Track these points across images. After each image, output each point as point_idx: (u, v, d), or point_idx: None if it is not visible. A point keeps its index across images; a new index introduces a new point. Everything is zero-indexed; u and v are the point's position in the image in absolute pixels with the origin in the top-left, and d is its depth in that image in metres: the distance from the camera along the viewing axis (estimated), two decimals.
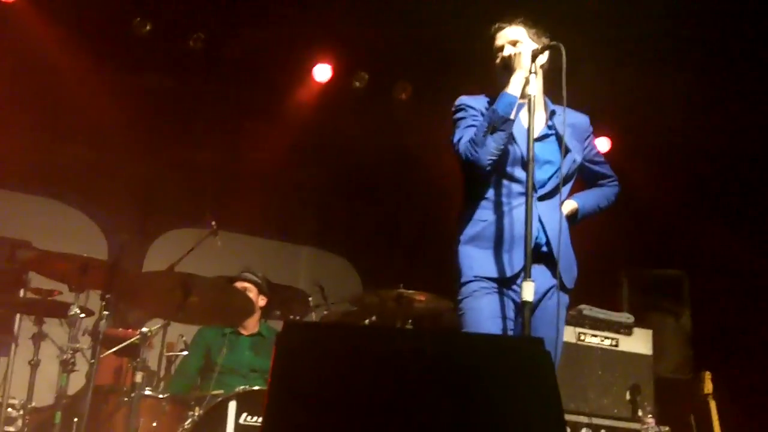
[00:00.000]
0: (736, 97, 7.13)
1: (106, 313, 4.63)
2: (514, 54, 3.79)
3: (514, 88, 3.74)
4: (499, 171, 3.79)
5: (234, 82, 7.65)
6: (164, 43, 7.31)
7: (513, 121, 3.72)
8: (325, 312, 6.70)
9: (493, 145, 3.69)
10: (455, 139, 3.83)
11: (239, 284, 6.00)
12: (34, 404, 5.13)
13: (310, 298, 6.59)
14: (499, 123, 3.68)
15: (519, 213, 3.69)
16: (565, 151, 3.77)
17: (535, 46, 3.83)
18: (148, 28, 7.13)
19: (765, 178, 7.42)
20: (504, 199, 3.79)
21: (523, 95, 3.76)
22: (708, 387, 6.26)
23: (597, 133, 4.21)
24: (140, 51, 7.27)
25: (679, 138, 7.45)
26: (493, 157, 3.71)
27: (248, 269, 6.27)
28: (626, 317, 6.20)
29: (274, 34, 7.41)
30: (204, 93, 7.70)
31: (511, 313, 3.69)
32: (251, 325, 6.08)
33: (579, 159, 3.94)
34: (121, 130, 7.61)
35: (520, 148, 3.76)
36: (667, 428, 5.83)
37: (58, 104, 7.31)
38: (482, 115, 3.81)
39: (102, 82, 7.26)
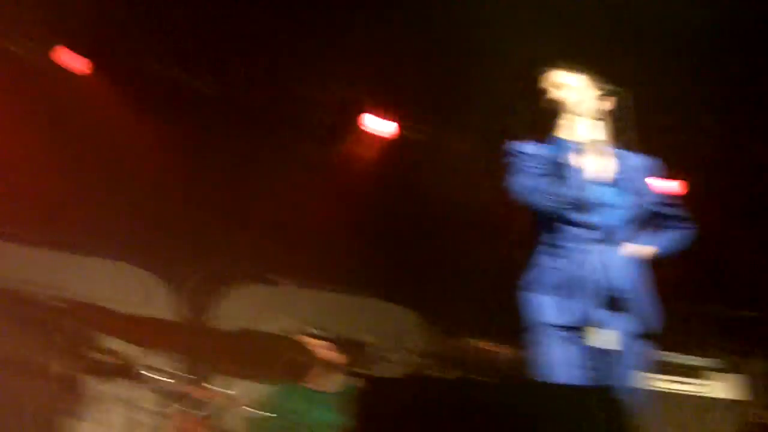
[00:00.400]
0: None
1: (179, 373, 4.82)
2: (570, 99, 3.96)
3: (568, 132, 3.91)
4: (566, 217, 3.90)
5: (293, 133, 7.87)
6: (223, 101, 7.59)
7: (567, 165, 3.87)
8: (394, 365, 6.79)
9: (549, 189, 3.85)
10: (511, 185, 3.96)
11: (311, 341, 6.17)
12: None
13: (378, 353, 6.67)
14: (557, 168, 3.85)
15: (588, 259, 3.81)
16: (632, 194, 3.92)
17: (596, 91, 3.98)
18: (201, 85, 7.42)
19: None
20: (572, 245, 3.89)
21: (586, 140, 3.93)
22: None
23: (669, 176, 4.28)
24: (196, 106, 7.57)
25: (753, 177, 7.46)
26: (551, 202, 3.85)
27: (318, 326, 6.44)
28: (714, 362, 6.19)
29: (327, 87, 7.64)
30: (263, 146, 7.93)
31: (583, 360, 3.77)
32: (326, 381, 6.24)
33: (644, 202, 4.04)
34: (180, 189, 7.85)
35: (585, 193, 3.89)
36: None
37: (123, 166, 7.58)
38: (536, 159, 3.95)
39: (154, 134, 7.55)
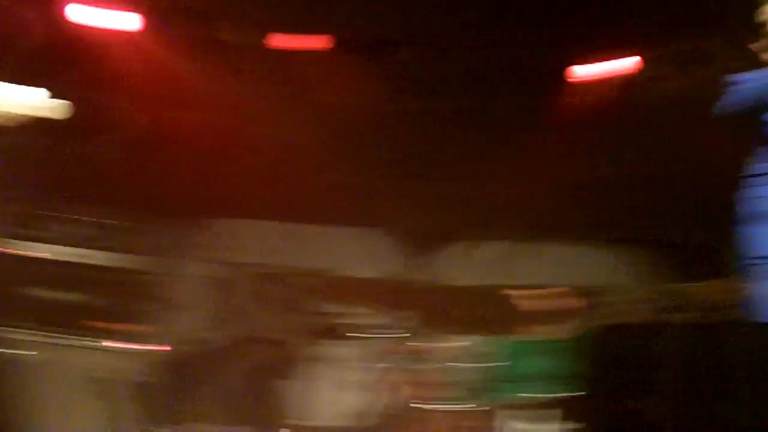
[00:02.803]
0: None
1: (404, 331, 4.74)
2: None
3: None
4: None
5: (507, 92, 7.64)
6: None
7: None
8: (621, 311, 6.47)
9: None
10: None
11: (552, 290, 5.97)
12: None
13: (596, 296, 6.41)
14: None
15: None
16: None
17: None
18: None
19: None
20: None
21: None
22: None
23: None
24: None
25: None
26: None
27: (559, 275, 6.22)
28: None
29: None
30: (482, 104, 7.73)
31: None
32: (555, 330, 6.03)
33: None
34: (414, 154, 7.78)
35: None
36: None
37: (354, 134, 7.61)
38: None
39: (392, 112, 7.49)
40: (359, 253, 7.78)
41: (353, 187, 7.61)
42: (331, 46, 6.84)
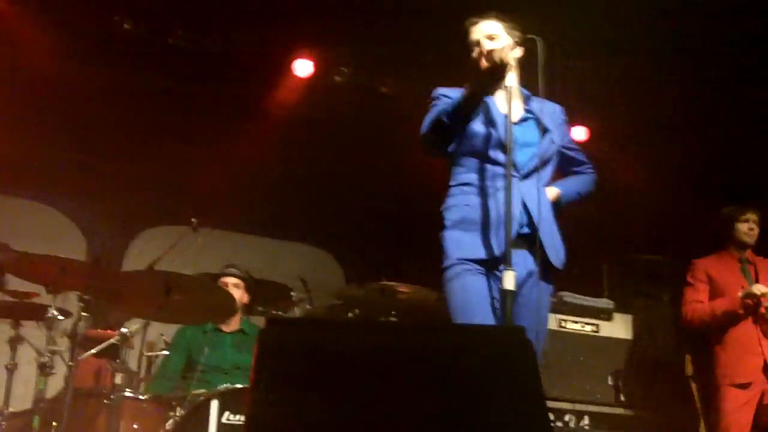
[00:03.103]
0: (713, 83, 7.16)
1: (84, 314, 4.55)
2: (487, 51, 3.77)
3: (479, 81, 3.75)
4: (480, 156, 3.83)
5: (215, 78, 7.56)
6: (144, 41, 7.22)
7: (484, 106, 3.79)
8: (308, 307, 6.65)
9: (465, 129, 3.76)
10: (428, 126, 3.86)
11: (224, 280, 5.94)
12: (11, 409, 4.97)
13: (292, 293, 6.53)
14: (464, 111, 3.73)
15: (502, 195, 3.67)
16: (543, 131, 3.85)
17: (510, 40, 3.85)
18: (127, 26, 7.04)
19: (742, 161, 7.46)
20: (487, 183, 3.80)
21: (500, 85, 3.80)
22: (689, 369, 6.28)
23: (575, 122, 4.23)
24: (120, 49, 7.18)
25: (655, 125, 7.50)
26: (440, 139, 3.80)
27: (232, 265, 6.21)
28: (606, 303, 6.21)
29: (255, 29, 7.35)
30: (184, 90, 7.61)
31: (497, 295, 3.65)
32: (233, 322, 6.02)
33: (557, 141, 3.97)
34: (99, 129, 7.54)
35: (499, 132, 3.79)
36: (648, 412, 5.84)
37: (35, 104, 7.21)
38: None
39: (80, 80, 7.18)
40: (35, 229, 7.39)
41: (31, 160, 7.26)
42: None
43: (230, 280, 5.95)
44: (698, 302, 5.87)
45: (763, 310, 5.64)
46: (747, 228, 5.92)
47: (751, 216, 5.94)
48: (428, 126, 3.82)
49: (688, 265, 6.08)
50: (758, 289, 5.63)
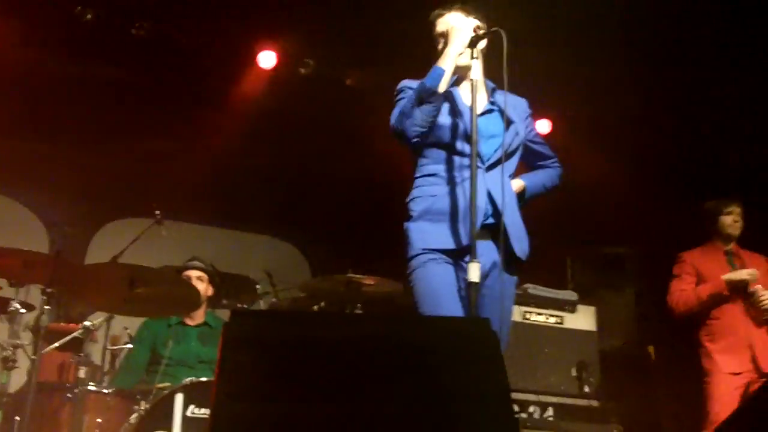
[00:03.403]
0: (678, 72, 7.22)
1: (47, 307, 4.50)
2: (448, 29, 3.83)
3: (445, 61, 3.76)
4: (446, 146, 3.83)
5: (178, 70, 7.51)
6: (107, 32, 7.15)
7: (440, 94, 3.75)
8: (274, 299, 6.65)
9: (420, 117, 3.72)
10: (394, 117, 3.85)
11: (190, 273, 5.91)
12: None
13: (258, 286, 6.51)
14: (427, 95, 3.71)
15: (467, 185, 3.68)
16: (508, 123, 3.82)
17: (474, 30, 3.84)
18: (89, 16, 6.97)
19: (707, 152, 7.55)
20: (453, 174, 3.80)
21: (465, 77, 3.81)
22: (652, 362, 6.35)
23: (539, 114, 4.26)
24: (82, 40, 7.11)
25: (620, 117, 7.56)
26: (420, 129, 3.74)
27: (196, 258, 6.18)
28: (570, 295, 6.25)
29: (219, 22, 7.30)
30: (148, 81, 7.57)
31: (462, 284, 3.65)
32: (198, 315, 5.99)
33: (522, 133, 3.99)
34: (61, 120, 7.46)
35: (464, 123, 3.80)
36: (612, 403, 5.89)
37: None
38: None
39: (43, 70, 7.11)
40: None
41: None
42: None
43: (193, 273, 5.92)
44: (684, 291, 5.95)
45: (751, 288, 5.73)
46: (731, 220, 6.03)
47: (735, 208, 6.05)
48: (397, 118, 3.79)
49: (675, 258, 6.15)
50: (741, 274, 5.73)
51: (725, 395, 5.61)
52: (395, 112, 3.84)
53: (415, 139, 3.77)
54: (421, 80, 3.83)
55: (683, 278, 6.03)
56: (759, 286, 5.76)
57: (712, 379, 5.75)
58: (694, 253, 6.11)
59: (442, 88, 3.74)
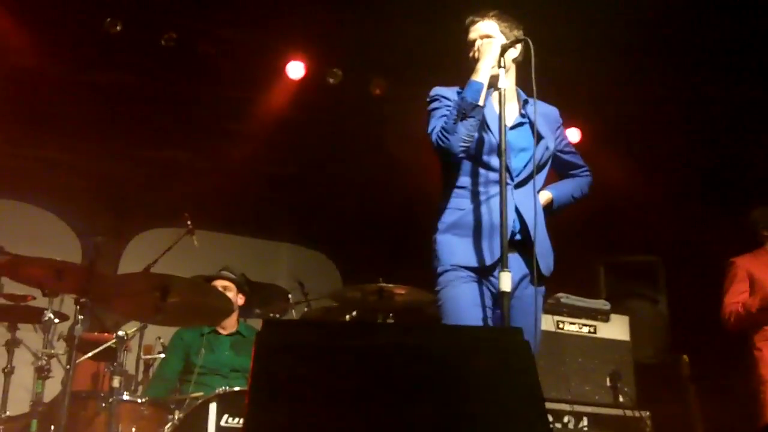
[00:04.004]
0: (705, 84, 7.19)
1: (81, 317, 4.54)
2: (481, 43, 3.84)
3: (480, 74, 3.76)
4: (475, 160, 3.82)
5: (207, 80, 7.59)
6: (136, 42, 7.24)
7: (482, 107, 3.75)
8: (306, 309, 6.67)
9: (463, 132, 3.71)
10: (429, 129, 3.85)
11: (217, 283, 5.94)
12: (8, 413, 4.99)
13: (289, 296, 6.54)
14: (469, 109, 3.70)
15: (496, 201, 3.68)
16: (538, 138, 3.81)
17: (506, 40, 3.86)
18: (119, 27, 7.06)
19: (736, 163, 7.49)
20: (481, 188, 3.81)
21: (494, 86, 3.78)
22: (686, 371, 6.29)
23: (568, 123, 4.24)
24: (113, 50, 7.21)
25: (650, 126, 7.53)
26: (465, 144, 3.74)
27: (226, 267, 6.21)
28: (603, 304, 6.21)
29: (247, 32, 7.38)
30: (178, 91, 7.64)
31: (489, 302, 3.70)
32: (230, 324, 6.02)
33: (552, 146, 3.98)
34: (94, 131, 7.54)
35: (494, 136, 3.78)
36: (647, 413, 5.84)
37: (29, 105, 7.22)
38: (453, 103, 3.83)
39: (74, 82, 7.21)
40: (30, 232, 7.39)
41: (26, 163, 7.28)
42: None
43: (220, 283, 5.93)
44: (737, 303, 5.86)
45: None
46: None
47: None
48: (441, 135, 3.76)
49: (726, 265, 6.05)
50: None
51: None
52: (435, 125, 3.83)
53: (461, 154, 3.77)
54: (459, 92, 3.84)
55: (735, 287, 5.90)
56: None
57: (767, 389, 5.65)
58: (746, 259, 6.01)
59: (482, 101, 3.74)
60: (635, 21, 6.60)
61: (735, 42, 6.79)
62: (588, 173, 4.22)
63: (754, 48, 6.79)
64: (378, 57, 7.55)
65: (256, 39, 7.43)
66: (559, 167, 4.15)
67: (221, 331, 5.99)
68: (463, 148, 3.74)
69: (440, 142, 3.75)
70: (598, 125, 7.63)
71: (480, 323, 3.65)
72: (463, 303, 3.68)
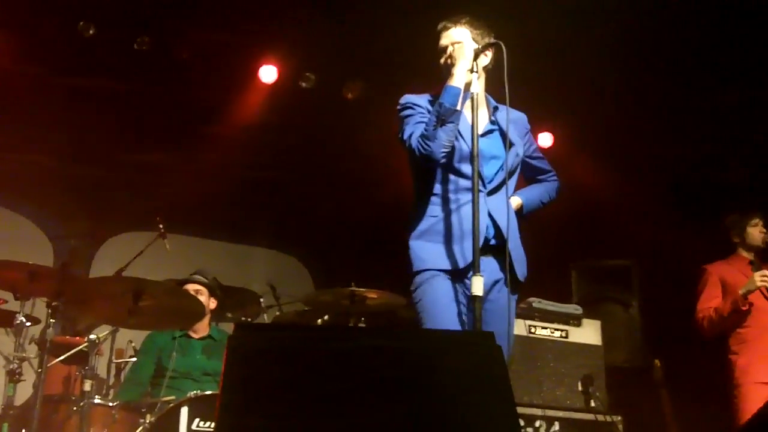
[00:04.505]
0: (677, 87, 7.25)
1: (53, 320, 4.55)
2: (455, 47, 3.85)
3: (456, 79, 3.78)
4: (447, 167, 3.84)
5: (180, 84, 7.57)
6: (110, 45, 7.22)
7: (460, 112, 3.77)
8: (278, 313, 6.68)
9: (444, 138, 3.73)
10: (405, 136, 3.86)
11: (189, 287, 5.93)
12: None
13: (261, 299, 6.55)
14: (448, 115, 3.72)
15: (468, 208, 3.70)
16: (509, 145, 3.84)
17: (476, 44, 3.87)
18: (92, 31, 7.04)
19: (710, 169, 7.57)
20: (453, 196, 3.83)
21: (466, 93, 3.80)
22: (658, 375, 6.34)
23: (541, 128, 4.27)
24: (86, 54, 7.18)
25: (621, 130, 7.58)
26: (446, 149, 3.75)
27: (199, 271, 6.20)
28: (575, 308, 6.25)
29: (220, 36, 7.36)
30: (151, 95, 7.62)
31: (464, 301, 3.73)
32: (202, 328, 6.00)
33: (521, 153, 4.03)
34: (67, 134, 7.52)
35: (466, 143, 3.81)
36: (619, 417, 5.88)
37: (1, 107, 7.17)
38: (428, 111, 3.85)
39: (47, 84, 7.18)
40: (1, 235, 7.35)
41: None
42: None
43: (191, 287, 5.92)
44: (709, 308, 5.91)
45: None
46: (758, 232, 5.99)
47: (759, 220, 6.02)
48: (421, 142, 3.76)
49: (699, 271, 6.09)
50: (753, 283, 5.66)
51: (757, 406, 5.53)
52: (411, 131, 3.83)
53: (443, 160, 3.79)
54: (430, 100, 3.88)
55: (708, 293, 5.96)
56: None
57: (743, 390, 5.67)
58: (719, 266, 6.06)
59: (460, 106, 3.76)
60: (608, 26, 6.65)
61: (709, 47, 6.86)
62: (555, 178, 4.26)
63: (729, 53, 6.86)
64: (351, 61, 7.57)
65: (230, 43, 7.43)
66: (527, 172, 4.19)
67: (193, 335, 5.98)
68: (444, 154, 3.76)
69: (421, 149, 3.76)
70: (571, 130, 7.68)
71: (456, 319, 3.69)
72: (440, 299, 3.71)
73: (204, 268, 6.33)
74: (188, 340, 5.94)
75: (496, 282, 3.79)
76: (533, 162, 4.18)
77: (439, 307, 3.70)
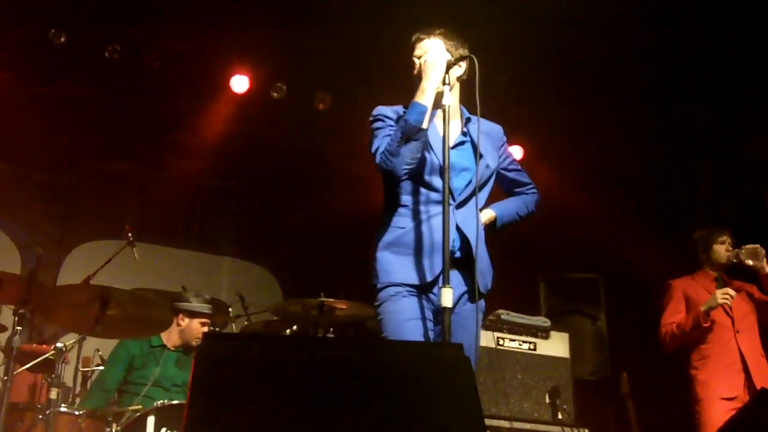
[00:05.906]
0: (645, 103, 7.33)
1: (19, 328, 4.50)
2: (424, 63, 3.83)
3: (425, 96, 3.75)
4: (417, 179, 3.83)
5: (151, 92, 7.56)
6: (81, 53, 7.19)
7: (425, 130, 3.74)
8: (246, 322, 6.66)
9: (407, 155, 3.71)
10: (373, 149, 3.84)
11: (196, 320, 5.88)
12: None
13: (230, 309, 6.52)
14: (412, 132, 3.70)
15: (436, 221, 3.70)
16: (479, 156, 3.82)
17: (451, 57, 3.85)
18: (63, 39, 7.02)
19: (677, 185, 7.65)
20: (422, 207, 3.82)
21: (438, 104, 3.78)
22: (625, 387, 6.38)
23: (511, 141, 4.27)
24: (56, 62, 7.16)
25: (592, 145, 7.65)
26: (408, 166, 3.73)
27: (186, 289, 6.13)
28: (543, 321, 6.29)
29: (192, 45, 7.37)
30: (121, 103, 7.60)
31: (429, 316, 3.71)
32: (171, 337, 5.97)
33: (493, 165, 3.99)
34: (35, 141, 7.46)
35: (436, 156, 3.80)
36: (586, 430, 5.92)
37: None
38: (395, 123, 3.84)
39: (17, 92, 7.13)
40: None
41: None
42: None
43: (203, 322, 5.88)
44: (672, 323, 5.95)
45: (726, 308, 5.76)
46: (724, 249, 6.02)
47: (727, 238, 6.05)
48: (384, 157, 3.75)
49: (664, 286, 6.13)
50: (715, 300, 5.71)
51: (720, 421, 5.58)
52: (379, 145, 3.81)
53: (405, 177, 3.77)
54: (400, 113, 3.85)
55: (672, 308, 6.00)
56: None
57: (704, 405, 5.73)
58: (683, 281, 6.10)
59: (425, 124, 3.73)
60: (578, 41, 6.71)
61: (677, 63, 6.94)
62: (534, 191, 4.23)
63: (697, 69, 6.94)
64: (322, 72, 7.59)
65: (202, 52, 7.42)
66: (504, 185, 4.17)
67: (168, 345, 5.94)
68: (406, 171, 3.74)
69: (384, 165, 3.74)
70: (539, 143, 7.75)
71: (420, 337, 3.67)
72: (403, 316, 3.68)
73: (172, 277, 6.29)
74: (163, 350, 5.89)
75: (462, 294, 3.78)
76: (509, 174, 4.15)
77: (403, 326, 3.66)
